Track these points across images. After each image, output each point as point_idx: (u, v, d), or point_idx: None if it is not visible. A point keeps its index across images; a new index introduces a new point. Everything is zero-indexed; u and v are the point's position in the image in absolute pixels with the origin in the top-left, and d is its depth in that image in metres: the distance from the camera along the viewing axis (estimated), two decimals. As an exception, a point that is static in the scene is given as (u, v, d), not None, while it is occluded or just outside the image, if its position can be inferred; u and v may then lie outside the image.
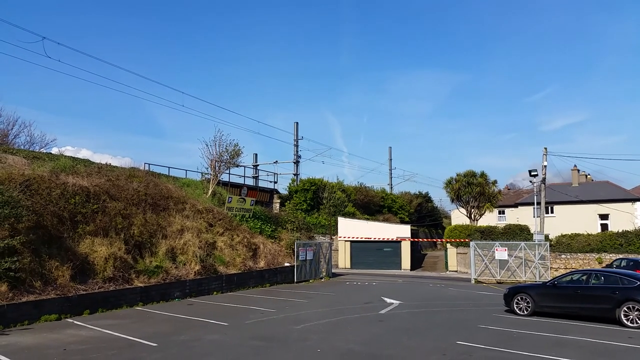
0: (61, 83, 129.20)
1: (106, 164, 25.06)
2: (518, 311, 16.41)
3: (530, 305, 16.26)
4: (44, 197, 16.77)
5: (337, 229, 40.73)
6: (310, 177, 48.59)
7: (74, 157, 25.13)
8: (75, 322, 14.01)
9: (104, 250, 17.13)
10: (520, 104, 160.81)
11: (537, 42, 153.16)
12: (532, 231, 34.44)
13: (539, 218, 35.61)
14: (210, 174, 30.01)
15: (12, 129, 32.37)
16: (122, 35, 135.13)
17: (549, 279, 20.52)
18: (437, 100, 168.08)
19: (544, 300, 16.17)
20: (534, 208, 39.29)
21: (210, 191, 28.86)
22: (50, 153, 26.00)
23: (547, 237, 32.09)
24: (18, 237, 14.29)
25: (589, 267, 29.41)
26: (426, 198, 70.07)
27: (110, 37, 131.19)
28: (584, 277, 16.08)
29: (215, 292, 21.25)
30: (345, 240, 39.80)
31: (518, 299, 16.60)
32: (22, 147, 29.79)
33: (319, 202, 45.83)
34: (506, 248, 28.86)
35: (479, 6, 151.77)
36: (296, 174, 51.69)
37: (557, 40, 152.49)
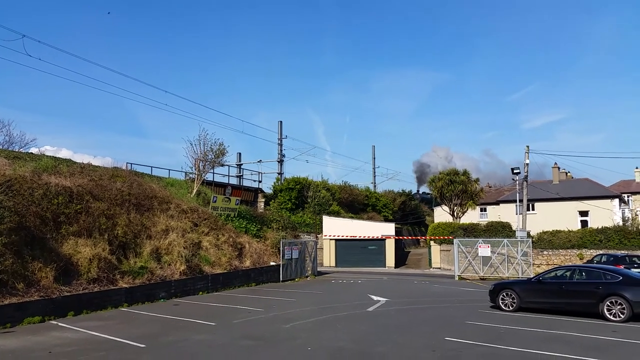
0: (41, 82, 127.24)
1: (88, 163, 24.67)
2: (504, 307, 16.57)
3: (515, 301, 16.43)
4: (26, 198, 16.44)
5: (322, 227, 40.77)
6: (295, 176, 48.56)
7: (55, 157, 24.70)
8: (59, 324, 13.77)
9: (87, 251, 16.86)
10: (501, 103, 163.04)
11: (518, 41, 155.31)
12: (514, 228, 34.90)
13: (521, 215, 36.07)
14: (195, 174, 29.75)
15: (-10, 128, 31.56)
16: (104, 33, 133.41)
17: (533, 275, 20.80)
18: (419, 99, 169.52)
19: (529, 296, 16.36)
20: (516, 205, 39.77)
21: (194, 191, 28.64)
22: (31, 153, 25.51)
23: (529, 234, 32.54)
24: (0, 239, 13.98)
25: (570, 263, 29.89)
26: (409, 196, 70.56)
27: (92, 35, 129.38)
28: (568, 273, 16.35)
29: (201, 292, 21.08)
30: (330, 239, 39.86)
31: (503, 295, 16.76)
32: (1, 147, 29.12)
33: (304, 201, 45.81)
34: (489, 245, 29.19)
35: (460, 6, 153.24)
36: (280, 173, 51.58)
37: (538, 40, 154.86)
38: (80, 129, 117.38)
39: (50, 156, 24.53)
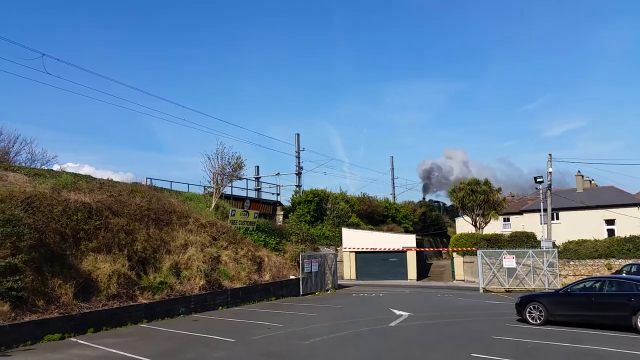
0: (61, 99, 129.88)
1: (108, 179, 24.81)
2: (531, 320, 16.07)
3: (543, 314, 15.92)
4: (45, 215, 16.50)
5: (341, 239, 40.39)
6: (313, 188, 48.37)
7: (75, 174, 24.90)
8: (79, 341, 13.68)
9: (107, 267, 16.82)
10: (517, 112, 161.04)
11: (532, 50, 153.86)
12: (538, 238, 34.09)
13: (545, 225, 35.26)
14: (213, 187, 29.74)
15: (13, 146, 32.18)
16: (120, 49, 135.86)
17: (561, 287, 20.17)
18: (434, 110, 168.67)
19: (557, 309, 15.84)
20: (540, 215, 38.92)
21: (213, 204, 28.59)
22: (52, 170, 25.79)
23: (554, 244, 31.74)
24: (20, 256, 13.99)
25: (598, 274, 29.05)
26: (430, 207, 69.75)
27: (109, 52, 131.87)
28: (597, 284, 15.79)
29: (220, 307, 20.90)
30: (350, 251, 39.45)
31: (530, 308, 16.26)
32: (23, 164, 29.54)
33: (323, 213, 45.52)
34: (514, 256, 28.53)
35: (473, 16, 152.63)
36: (298, 186, 51.45)
37: (552, 48, 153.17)
38: (102, 145, 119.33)
39: (69, 172, 24.74)
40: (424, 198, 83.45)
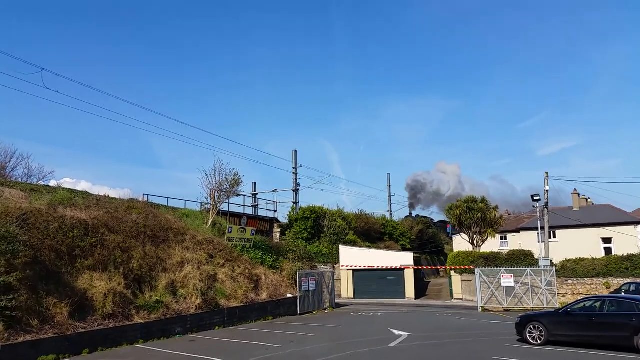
0: (59, 114, 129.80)
1: (105, 195, 24.67)
2: (531, 340, 15.92)
3: (543, 334, 15.78)
4: (41, 231, 16.33)
5: (339, 257, 40.16)
6: (311, 205, 48.19)
7: (72, 190, 24.75)
8: (73, 362, 13.44)
9: (103, 286, 16.60)
10: (513, 130, 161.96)
11: (528, 68, 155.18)
12: (536, 256, 33.98)
13: (543, 243, 35.18)
14: (210, 204, 29.59)
15: (9, 161, 31.98)
16: (119, 64, 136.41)
17: (561, 307, 20.06)
18: (430, 126, 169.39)
19: (557, 329, 15.71)
20: (537, 233, 38.82)
21: (210, 221, 28.42)
22: (48, 186, 25.65)
23: (552, 263, 31.65)
24: (15, 274, 13.79)
25: (596, 293, 28.92)
26: (427, 224, 69.63)
27: (107, 67, 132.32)
28: (598, 304, 15.70)
29: (217, 327, 20.63)
30: (348, 269, 39.20)
31: (531, 328, 16.12)
32: (19, 180, 29.37)
33: (320, 230, 45.34)
34: (512, 274, 28.41)
35: (470, 34, 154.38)
36: (296, 202, 51.27)
37: (549, 67, 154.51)
38: (99, 160, 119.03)
39: (66, 189, 24.59)
40: (410, 214, 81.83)
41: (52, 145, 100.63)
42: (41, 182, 30.34)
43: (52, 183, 30.01)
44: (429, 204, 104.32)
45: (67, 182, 35.85)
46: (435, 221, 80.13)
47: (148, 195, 30.42)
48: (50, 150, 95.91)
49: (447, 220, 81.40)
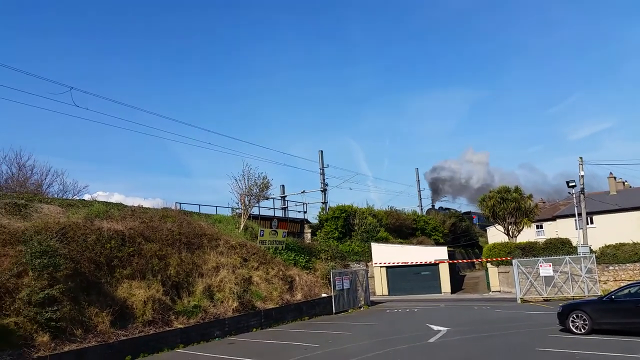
0: (89, 130, 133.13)
1: (139, 206, 25.13)
2: (575, 330, 15.50)
3: (587, 323, 15.34)
4: (80, 244, 16.74)
5: (371, 255, 39.98)
6: (340, 204, 48.03)
7: (106, 202, 25.29)
8: (117, 369, 13.72)
9: (142, 293, 16.93)
10: (543, 116, 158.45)
11: (554, 52, 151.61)
12: (574, 244, 33.15)
13: (581, 230, 34.27)
14: (241, 209, 29.87)
15: (45, 178, 32.86)
16: (143, 77, 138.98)
17: (603, 294, 19.50)
18: (457, 118, 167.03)
19: (602, 317, 15.25)
20: (575, 220, 37.85)
21: (242, 226, 28.68)
22: (84, 200, 26.26)
23: (590, 249, 30.82)
24: (57, 286, 14.20)
25: (640, 278, 28.05)
26: (460, 217, 68.67)
27: (133, 81, 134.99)
28: (644, 290, 15.17)
29: (254, 329, 20.79)
30: (381, 266, 39.00)
31: (574, 317, 15.70)
32: (55, 195, 30.17)
33: (351, 229, 45.21)
34: (550, 264, 27.76)
35: (493, 21, 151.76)
36: (325, 202, 51.25)
37: (575, 49, 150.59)
38: (130, 173, 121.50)
39: (101, 201, 25.13)
40: (433, 206, 79.64)
41: (84, 160, 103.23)
42: (76, 197, 31.11)
43: (87, 197, 30.74)
44: (455, 194, 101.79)
45: (101, 195, 36.79)
46: (462, 212, 78.52)
47: (180, 203, 30.89)
48: (82, 166, 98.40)
49: (473, 211, 79.89)
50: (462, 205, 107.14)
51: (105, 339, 14.73)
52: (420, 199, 70.24)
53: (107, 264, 17.13)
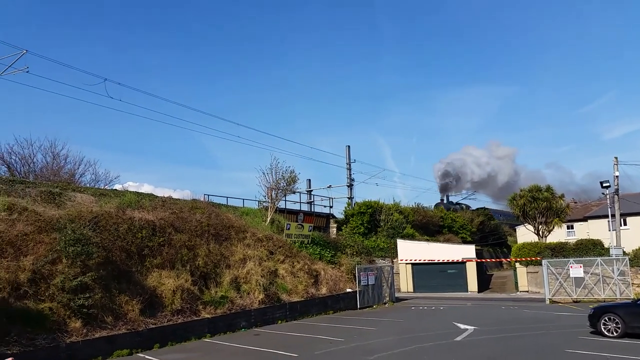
0: (121, 121, 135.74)
1: (169, 197, 25.52)
2: (606, 333, 15.17)
3: (620, 326, 14.99)
4: (112, 233, 17.11)
5: (396, 251, 39.77)
6: (366, 200, 47.91)
7: (138, 192, 25.77)
8: (146, 356, 14.01)
9: (171, 283, 17.23)
10: (575, 115, 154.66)
11: (587, 50, 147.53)
12: (605, 245, 32.36)
13: (614, 231, 33.41)
14: (268, 202, 30.08)
15: (78, 168, 33.67)
16: (175, 69, 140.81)
17: (637, 297, 18.99)
18: (486, 116, 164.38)
19: (635, 321, 14.88)
20: (607, 221, 36.93)
21: (269, 219, 28.88)
22: (115, 189, 26.80)
23: (624, 251, 30.01)
24: (90, 274, 14.55)
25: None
26: (488, 215, 67.65)
27: (164, 73, 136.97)
28: (680, 294, 14.73)
29: (279, 321, 20.95)
30: (406, 263, 38.74)
31: (606, 320, 15.35)
32: (88, 185, 30.88)
33: (376, 224, 45.04)
34: (581, 265, 27.16)
35: (525, 18, 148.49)
36: (351, 198, 51.21)
37: (608, 46, 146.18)
38: (160, 164, 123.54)
39: (133, 192, 25.62)
40: (441, 200, 77.10)
41: (116, 150, 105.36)
42: (108, 187, 31.81)
43: (118, 187, 31.42)
44: (477, 188, 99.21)
45: (131, 185, 37.29)
46: (474, 209, 76.67)
47: (209, 195, 31.29)
48: (114, 156, 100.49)
49: (490, 208, 77.57)
50: (482, 201, 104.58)
51: (135, 326, 15.04)
52: (448, 196, 69.40)
53: (138, 253, 17.48)
